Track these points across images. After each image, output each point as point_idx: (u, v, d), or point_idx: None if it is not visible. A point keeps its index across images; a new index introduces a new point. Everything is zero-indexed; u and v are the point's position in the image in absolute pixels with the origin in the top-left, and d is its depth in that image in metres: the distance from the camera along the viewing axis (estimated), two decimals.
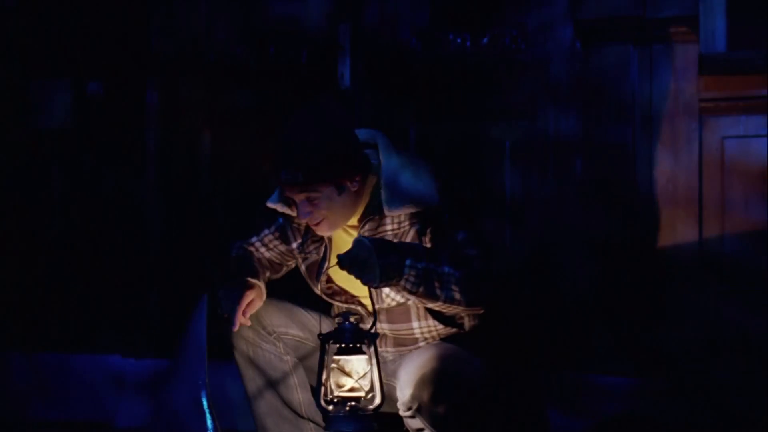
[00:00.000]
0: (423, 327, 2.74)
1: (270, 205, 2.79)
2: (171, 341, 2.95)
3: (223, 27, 4.23)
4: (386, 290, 2.65)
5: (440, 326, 2.74)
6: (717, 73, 3.63)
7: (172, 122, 4.24)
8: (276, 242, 2.90)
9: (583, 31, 3.79)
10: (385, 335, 2.78)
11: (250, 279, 2.78)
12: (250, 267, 2.84)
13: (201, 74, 4.22)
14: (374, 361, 2.55)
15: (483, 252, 2.59)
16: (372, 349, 2.55)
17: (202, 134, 4.23)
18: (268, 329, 2.83)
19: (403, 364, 2.63)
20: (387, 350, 2.80)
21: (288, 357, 2.85)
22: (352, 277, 2.53)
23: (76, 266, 4.32)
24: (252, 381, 2.85)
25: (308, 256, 2.82)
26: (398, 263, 2.48)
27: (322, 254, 2.78)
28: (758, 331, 3.54)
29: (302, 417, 2.86)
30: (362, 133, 2.73)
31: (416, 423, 2.57)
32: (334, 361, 2.55)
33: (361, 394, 2.54)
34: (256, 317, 2.81)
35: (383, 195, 2.63)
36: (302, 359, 2.87)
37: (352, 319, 2.56)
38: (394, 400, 2.60)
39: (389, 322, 2.75)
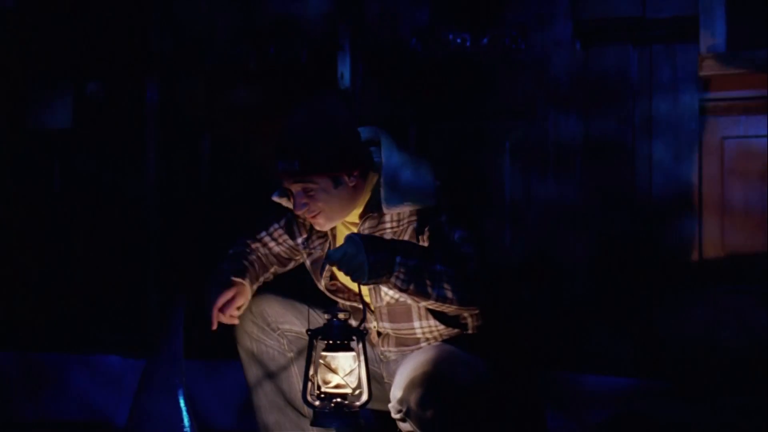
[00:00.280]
0: (424, 327, 2.73)
1: (275, 198, 2.79)
2: None
3: (223, 27, 4.23)
4: (384, 287, 2.64)
5: (442, 327, 2.72)
6: (717, 73, 3.63)
7: (172, 122, 4.24)
8: (285, 236, 2.90)
9: (583, 32, 3.79)
10: (387, 335, 2.76)
11: (233, 278, 2.78)
12: (237, 265, 2.84)
13: (201, 74, 4.23)
14: (362, 358, 2.54)
15: (478, 252, 2.57)
16: (360, 346, 2.54)
17: (202, 134, 4.24)
18: (272, 325, 2.83)
19: (401, 366, 2.62)
20: (390, 350, 2.78)
21: (291, 353, 2.85)
22: None
23: (76, 266, 4.33)
24: (255, 376, 2.84)
25: (313, 251, 2.82)
26: (388, 260, 2.47)
27: (326, 250, 2.77)
28: (758, 331, 3.54)
29: (304, 415, 2.85)
30: (366, 131, 2.73)
31: (406, 426, 2.55)
32: (321, 357, 2.54)
33: (348, 390, 2.53)
34: (259, 313, 2.81)
35: (382, 192, 2.62)
36: (302, 354, 2.86)
37: (341, 316, 2.55)
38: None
39: (391, 321, 2.74)
